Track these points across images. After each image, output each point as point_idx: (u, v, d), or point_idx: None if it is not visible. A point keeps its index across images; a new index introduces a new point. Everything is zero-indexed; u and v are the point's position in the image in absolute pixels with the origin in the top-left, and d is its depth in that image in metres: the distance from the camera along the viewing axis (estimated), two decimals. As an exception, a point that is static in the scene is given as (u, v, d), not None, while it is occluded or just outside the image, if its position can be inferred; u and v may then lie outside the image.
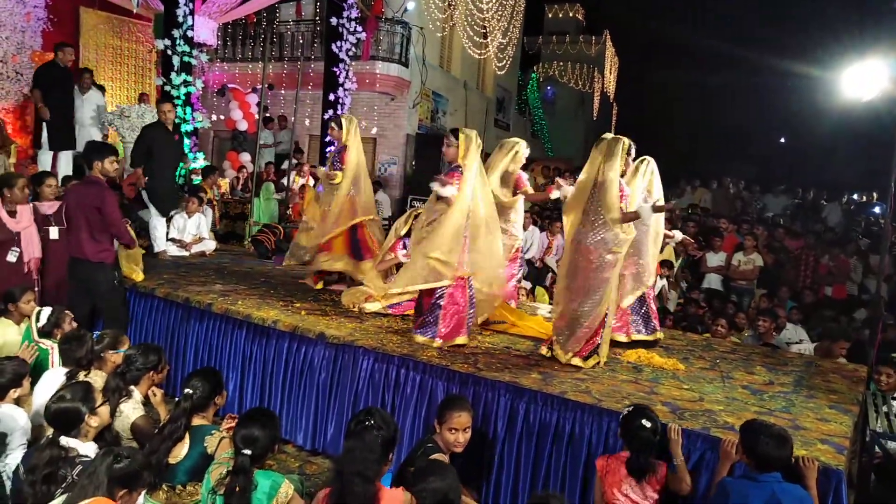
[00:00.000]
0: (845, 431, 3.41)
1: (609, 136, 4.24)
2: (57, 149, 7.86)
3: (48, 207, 5.26)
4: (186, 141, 9.32)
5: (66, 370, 3.60)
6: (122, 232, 5.18)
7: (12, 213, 4.98)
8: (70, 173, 7.65)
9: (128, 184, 7.79)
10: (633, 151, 4.33)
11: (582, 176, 4.28)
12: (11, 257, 5.01)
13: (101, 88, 9.61)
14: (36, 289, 5.13)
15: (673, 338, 5.42)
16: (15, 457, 2.96)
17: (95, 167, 5.02)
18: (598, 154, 4.14)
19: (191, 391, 2.99)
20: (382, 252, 5.56)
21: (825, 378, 4.47)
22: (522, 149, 5.45)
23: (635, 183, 4.82)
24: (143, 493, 2.69)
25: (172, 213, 7.21)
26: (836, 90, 7.31)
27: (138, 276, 5.66)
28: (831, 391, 4.14)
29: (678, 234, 5.64)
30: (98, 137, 8.42)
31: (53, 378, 3.54)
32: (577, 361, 4.12)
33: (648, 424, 3.03)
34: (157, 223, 6.90)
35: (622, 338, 4.81)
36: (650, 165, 4.97)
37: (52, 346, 4.12)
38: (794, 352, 5.86)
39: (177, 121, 8.09)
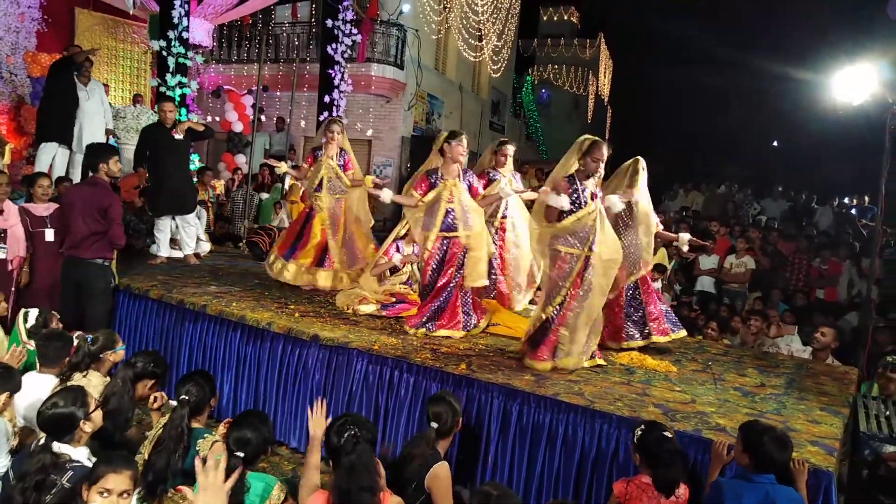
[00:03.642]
0: (836, 433, 3.44)
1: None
2: (51, 139, 7.68)
3: (43, 209, 5.26)
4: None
5: (56, 372, 3.54)
6: (121, 234, 5.21)
7: None
8: (64, 174, 7.59)
9: (129, 187, 7.72)
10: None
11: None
12: (1, 254, 5.02)
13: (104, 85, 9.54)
14: (12, 288, 5.13)
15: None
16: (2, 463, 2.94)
17: (101, 169, 5.10)
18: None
19: (186, 396, 2.98)
20: (377, 256, 5.58)
21: (816, 380, 4.50)
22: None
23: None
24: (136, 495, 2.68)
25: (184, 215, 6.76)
26: (827, 93, 7.35)
27: None
28: (822, 393, 4.18)
29: (684, 237, 5.28)
30: (102, 134, 8.28)
31: (38, 380, 3.47)
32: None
33: (669, 435, 3.00)
34: (162, 226, 6.65)
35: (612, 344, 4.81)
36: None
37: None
38: (785, 354, 5.89)
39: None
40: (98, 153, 5.23)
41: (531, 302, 5.61)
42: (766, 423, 3.07)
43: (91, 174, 5.23)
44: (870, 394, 4.60)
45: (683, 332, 4.96)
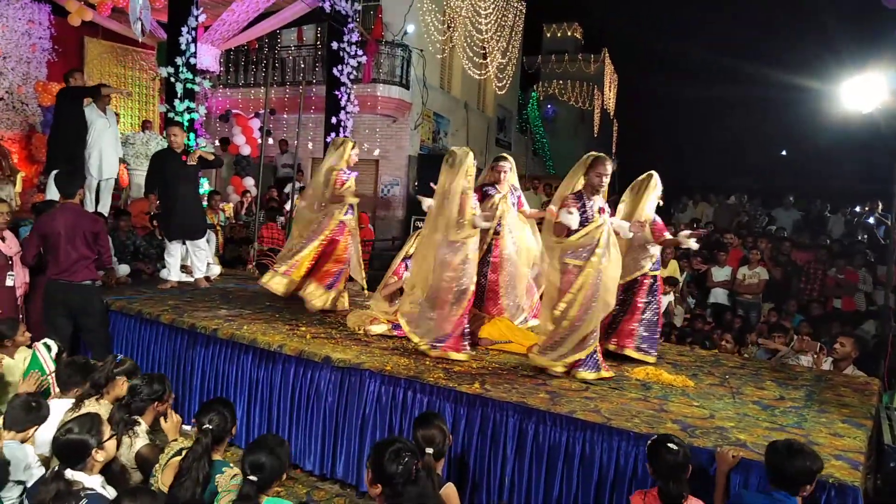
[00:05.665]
0: (860, 446, 3.36)
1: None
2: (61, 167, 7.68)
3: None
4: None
5: (72, 399, 3.55)
6: (111, 257, 5.47)
7: (2, 238, 5.11)
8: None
9: (139, 212, 7.76)
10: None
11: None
12: (10, 281, 5.09)
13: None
14: (20, 316, 5.17)
15: (681, 354, 5.38)
16: (11, 491, 2.91)
17: (78, 195, 5.28)
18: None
19: (209, 426, 2.92)
20: (386, 276, 5.55)
21: (836, 392, 4.42)
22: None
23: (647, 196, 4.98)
24: None
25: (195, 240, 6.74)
26: (835, 102, 7.34)
27: None
28: (843, 405, 4.09)
29: (685, 235, 5.10)
30: (117, 162, 8.31)
31: (58, 406, 3.49)
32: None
33: (674, 447, 2.94)
34: (172, 250, 6.64)
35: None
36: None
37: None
38: (804, 365, 5.80)
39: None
40: (74, 179, 5.43)
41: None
42: (787, 437, 3.01)
43: (64, 200, 5.26)
44: (892, 405, 4.52)
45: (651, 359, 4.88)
